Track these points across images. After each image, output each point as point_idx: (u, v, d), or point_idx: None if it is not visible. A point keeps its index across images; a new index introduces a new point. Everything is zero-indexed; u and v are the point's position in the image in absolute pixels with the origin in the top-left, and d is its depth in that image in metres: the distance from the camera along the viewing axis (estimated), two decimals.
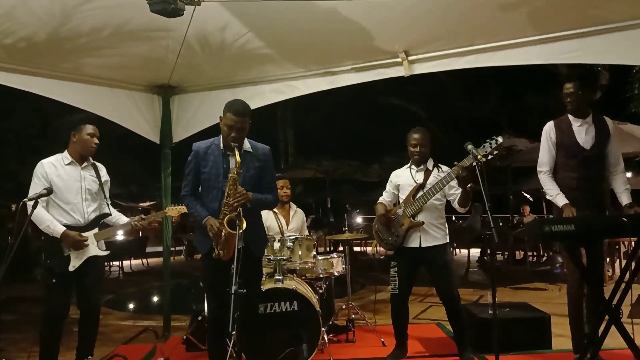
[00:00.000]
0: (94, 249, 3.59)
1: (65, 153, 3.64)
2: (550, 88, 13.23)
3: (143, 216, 3.80)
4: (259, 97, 4.87)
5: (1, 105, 12.42)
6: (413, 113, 18.50)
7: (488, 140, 3.37)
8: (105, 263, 11.14)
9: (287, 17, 3.69)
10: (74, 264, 3.49)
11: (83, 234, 3.52)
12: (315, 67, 4.64)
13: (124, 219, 3.80)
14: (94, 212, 3.66)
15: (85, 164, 3.68)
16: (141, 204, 17.23)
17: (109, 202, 3.82)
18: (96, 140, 3.66)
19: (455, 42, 4.05)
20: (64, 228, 3.46)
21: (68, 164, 3.60)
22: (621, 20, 3.49)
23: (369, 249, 13.77)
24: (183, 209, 3.79)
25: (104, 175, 3.78)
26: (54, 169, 3.55)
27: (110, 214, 3.77)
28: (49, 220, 3.44)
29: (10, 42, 3.71)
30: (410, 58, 4.24)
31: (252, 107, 4.74)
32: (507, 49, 3.94)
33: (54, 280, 3.43)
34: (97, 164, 3.77)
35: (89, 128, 3.64)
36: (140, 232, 14.65)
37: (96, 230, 3.64)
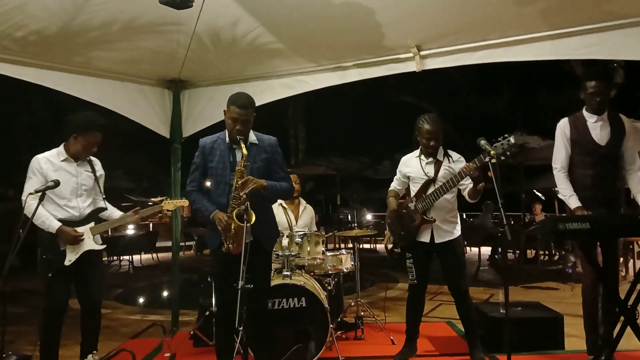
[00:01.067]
0: (90, 243, 3.57)
1: (61, 148, 3.61)
2: (563, 86, 13.09)
3: (139, 209, 3.80)
4: (269, 91, 4.87)
5: (15, 99, 12.53)
6: (424, 110, 18.32)
7: (500, 140, 3.30)
8: (116, 257, 11.27)
9: (298, 12, 3.66)
10: (70, 258, 3.47)
11: (78, 229, 3.51)
12: (325, 62, 4.60)
13: (118, 213, 3.79)
14: (89, 207, 3.64)
15: (80, 160, 3.66)
16: (152, 199, 17.30)
17: (104, 197, 3.79)
18: (95, 149, 3.64)
19: (468, 37, 4.00)
20: (60, 224, 3.44)
21: (63, 160, 3.58)
22: (637, 15, 3.41)
23: (379, 246, 13.74)
24: (181, 202, 3.76)
25: (99, 170, 3.76)
26: (50, 164, 3.52)
27: (105, 208, 3.75)
28: (45, 216, 3.42)
29: (21, 35, 3.72)
30: (422, 53, 4.19)
31: (262, 102, 4.78)
32: (521, 44, 3.88)
33: (50, 275, 3.41)
34: (93, 158, 3.74)
35: (94, 135, 3.59)
36: (151, 227, 14.78)
37: (92, 224, 3.62)
